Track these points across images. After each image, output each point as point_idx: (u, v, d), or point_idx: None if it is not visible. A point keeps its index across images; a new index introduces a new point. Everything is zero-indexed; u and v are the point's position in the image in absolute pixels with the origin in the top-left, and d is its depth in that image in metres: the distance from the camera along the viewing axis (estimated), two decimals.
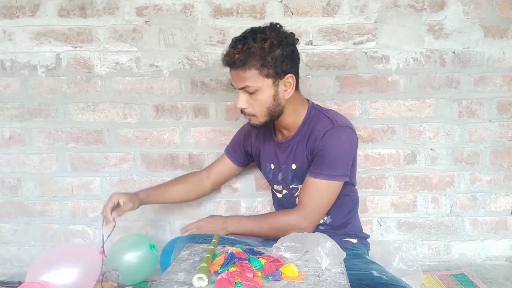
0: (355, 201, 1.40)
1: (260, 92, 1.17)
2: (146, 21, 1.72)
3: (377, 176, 1.78)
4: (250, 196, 1.80)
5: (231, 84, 1.26)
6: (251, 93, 1.18)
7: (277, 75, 1.18)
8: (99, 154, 1.78)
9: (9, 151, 1.78)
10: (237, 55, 1.13)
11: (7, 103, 1.76)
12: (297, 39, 1.24)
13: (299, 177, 1.29)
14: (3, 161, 1.78)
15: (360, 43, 1.73)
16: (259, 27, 1.19)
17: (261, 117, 1.22)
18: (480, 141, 1.77)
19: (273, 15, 1.69)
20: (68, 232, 1.81)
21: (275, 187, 1.39)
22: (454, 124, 1.76)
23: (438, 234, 1.81)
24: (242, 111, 1.25)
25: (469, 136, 1.77)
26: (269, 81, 1.17)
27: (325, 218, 1.29)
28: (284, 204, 1.37)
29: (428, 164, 1.78)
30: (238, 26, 1.71)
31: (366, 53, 1.73)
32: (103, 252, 1.30)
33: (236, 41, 1.17)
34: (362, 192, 1.74)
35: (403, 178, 1.79)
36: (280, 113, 1.24)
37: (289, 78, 1.20)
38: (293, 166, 1.30)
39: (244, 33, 1.19)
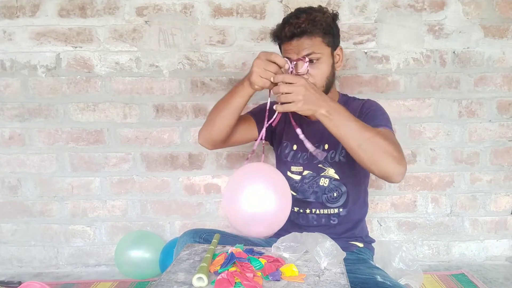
0: (367, 202, 1.40)
1: (322, 60, 1.18)
2: (146, 21, 1.72)
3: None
4: None
5: (286, 57, 1.18)
6: (311, 63, 1.17)
7: (334, 45, 1.22)
8: (99, 154, 1.78)
9: (9, 151, 1.78)
10: (303, 24, 1.15)
11: (7, 103, 1.76)
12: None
13: (330, 158, 1.28)
14: (3, 161, 1.78)
15: (360, 43, 1.73)
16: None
17: (319, 87, 1.19)
18: (480, 141, 1.77)
19: (273, 15, 1.69)
20: (68, 232, 1.81)
21: (293, 168, 1.34)
22: (454, 124, 1.76)
23: (438, 234, 1.81)
24: None
25: (469, 136, 1.77)
26: (329, 50, 1.20)
27: (341, 209, 1.29)
28: (302, 187, 1.31)
29: (428, 164, 1.78)
30: (238, 26, 1.71)
31: (366, 53, 1.73)
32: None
33: (297, 13, 1.19)
34: None
35: (403, 178, 1.78)
36: (331, 86, 1.25)
37: (339, 50, 1.25)
38: (326, 146, 1.29)
39: (298, 9, 1.22)
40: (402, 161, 1.06)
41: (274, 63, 1.02)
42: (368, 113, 1.24)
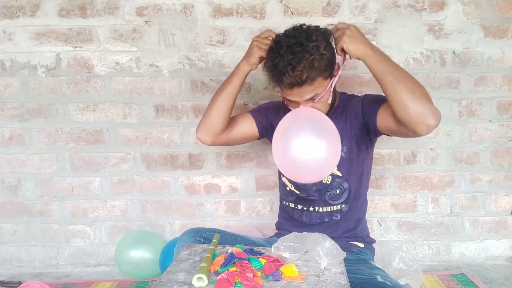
0: (367, 199, 1.40)
1: (325, 95, 1.17)
2: (146, 21, 1.72)
3: (377, 176, 1.78)
4: (250, 196, 1.80)
5: (284, 99, 1.20)
6: (314, 101, 1.16)
7: (331, 72, 1.18)
8: (99, 154, 1.78)
9: (9, 151, 1.78)
10: (304, 74, 1.08)
11: (7, 103, 1.76)
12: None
13: None
14: (3, 161, 1.78)
15: None
16: (296, 33, 1.12)
17: (324, 111, 1.23)
18: (480, 141, 1.77)
19: (273, 15, 1.69)
20: (68, 232, 1.81)
21: None
22: (454, 124, 1.76)
23: (438, 234, 1.81)
24: None
25: (469, 136, 1.77)
26: (327, 82, 1.17)
27: (343, 205, 1.29)
28: (306, 185, 1.30)
29: (428, 164, 1.78)
30: (238, 26, 1.71)
31: None
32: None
33: (292, 60, 1.08)
34: None
35: (403, 178, 1.79)
36: (335, 101, 1.30)
37: (337, 67, 1.20)
38: None
39: (289, 48, 1.10)
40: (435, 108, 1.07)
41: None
42: (373, 98, 1.26)
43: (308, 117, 1.12)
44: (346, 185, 1.28)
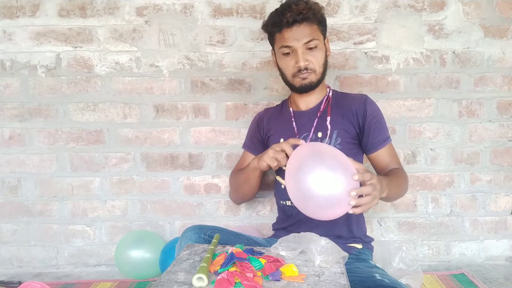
0: None
1: (319, 47, 1.27)
2: (146, 21, 1.72)
3: None
4: None
5: (284, 47, 1.27)
6: (310, 50, 1.25)
7: (324, 34, 1.31)
8: (99, 154, 1.78)
9: (9, 151, 1.78)
10: (304, 10, 1.22)
11: (7, 103, 1.76)
12: None
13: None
14: (3, 161, 1.78)
15: (360, 43, 1.73)
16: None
17: (318, 73, 1.29)
18: (480, 141, 1.77)
19: None
20: (68, 232, 1.81)
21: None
22: (454, 124, 1.76)
23: (438, 234, 1.81)
24: (299, 72, 1.28)
25: (469, 136, 1.77)
26: (322, 38, 1.30)
27: None
28: None
29: (428, 164, 1.78)
30: (238, 26, 1.72)
31: (366, 53, 1.73)
32: None
33: (295, 0, 1.24)
34: None
35: None
36: (325, 74, 1.34)
37: (327, 40, 1.34)
38: (319, 134, 1.31)
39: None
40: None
41: (283, 151, 1.13)
42: (376, 123, 1.32)
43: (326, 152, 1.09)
44: None
